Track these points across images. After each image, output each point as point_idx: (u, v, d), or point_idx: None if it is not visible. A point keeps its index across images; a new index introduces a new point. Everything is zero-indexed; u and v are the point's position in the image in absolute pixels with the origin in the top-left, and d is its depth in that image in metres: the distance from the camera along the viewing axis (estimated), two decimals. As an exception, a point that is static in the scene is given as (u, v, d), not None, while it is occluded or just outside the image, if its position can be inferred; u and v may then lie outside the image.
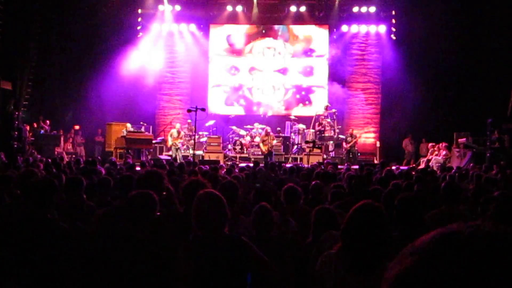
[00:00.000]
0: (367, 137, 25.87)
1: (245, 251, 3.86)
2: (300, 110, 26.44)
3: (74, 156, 22.14)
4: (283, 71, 26.84)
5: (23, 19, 22.63)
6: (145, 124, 23.55)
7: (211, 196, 3.95)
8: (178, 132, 22.59)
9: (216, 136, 23.37)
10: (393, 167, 16.24)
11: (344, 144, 23.15)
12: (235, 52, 27.02)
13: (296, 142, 24.17)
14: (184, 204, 5.14)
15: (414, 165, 22.19)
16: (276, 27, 26.89)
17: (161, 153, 23.50)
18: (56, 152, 21.93)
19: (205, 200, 3.90)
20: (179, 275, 3.78)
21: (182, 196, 5.24)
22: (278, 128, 24.46)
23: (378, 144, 25.01)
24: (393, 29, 25.95)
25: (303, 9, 25.97)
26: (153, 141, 23.27)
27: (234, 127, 24.16)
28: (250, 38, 26.98)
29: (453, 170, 14.17)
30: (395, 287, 0.99)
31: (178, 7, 26.28)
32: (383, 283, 1.03)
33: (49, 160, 14.47)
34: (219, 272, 3.74)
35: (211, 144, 22.85)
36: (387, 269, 1.05)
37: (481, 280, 0.92)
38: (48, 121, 23.70)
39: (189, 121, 22.80)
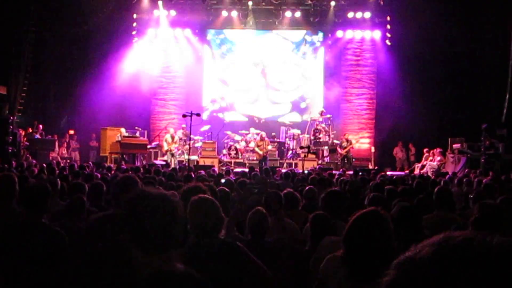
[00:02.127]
0: (362, 142, 25.86)
1: (240, 257, 3.84)
2: (295, 115, 26.46)
3: (69, 161, 22.08)
4: (277, 74, 26.84)
5: (18, 23, 22.60)
6: (140, 129, 23.52)
7: (206, 201, 3.94)
8: (172, 137, 22.62)
9: (211, 141, 23.37)
10: (388, 173, 16.29)
11: (339, 149, 23.15)
12: (230, 55, 27.05)
13: (291, 147, 24.17)
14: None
15: (408, 171, 22.17)
16: (270, 31, 26.90)
17: (156, 158, 23.45)
18: (50, 157, 21.88)
19: (199, 205, 3.89)
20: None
21: (181, 201, 5.21)
22: (273, 133, 24.47)
23: (373, 149, 25.00)
24: (388, 35, 25.97)
25: (298, 14, 25.99)
26: (148, 146, 23.26)
27: (229, 132, 24.16)
28: (245, 41, 27.01)
29: (448, 176, 14.21)
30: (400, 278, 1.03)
31: (173, 12, 26.28)
32: (387, 275, 1.06)
33: (44, 165, 14.43)
34: (214, 278, 3.72)
35: (206, 149, 22.83)
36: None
37: None
38: (40, 126, 23.55)
39: (183, 126, 22.80)
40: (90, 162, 17.28)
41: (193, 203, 3.93)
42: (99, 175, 10.24)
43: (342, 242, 3.26)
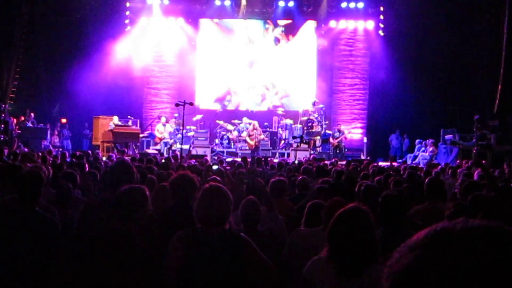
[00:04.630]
0: (354, 133, 25.90)
1: (243, 248, 3.83)
2: (287, 106, 26.43)
3: (61, 149, 22.01)
4: (271, 66, 26.79)
5: (9, 11, 22.46)
6: (132, 118, 23.47)
7: (221, 190, 3.94)
8: (164, 126, 22.60)
9: (204, 131, 23.35)
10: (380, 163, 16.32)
11: (331, 139, 23.18)
12: (223, 46, 26.97)
13: (284, 137, 24.18)
14: (173, 198, 5.10)
15: (400, 161, 22.26)
16: (263, 22, 26.83)
17: (148, 147, 23.44)
18: (42, 146, 21.81)
19: (215, 193, 3.87)
20: (169, 265, 3.77)
21: (169, 190, 5.18)
22: (266, 123, 24.46)
23: (365, 140, 25.05)
24: (381, 25, 25.99)
25: (291, 4, 25.96)
26: (140, 135, 23.20)
27: (221, 122, 24.13)
28: (237, 32, 26.92)
29: (440, 167, 14.25)
30: (399, 283, 1.00)
31: (166, 1, 26.17)
32: (384, 281, 1.03)
33: (40, 154, 14.39)
34: (213, 266, 3.72)
35: (199, 138, 22.82)
36: (378, 270, 1.04)
37: (478, 272, 0.93)
38: (32, 114, 23.45)
39: (176, 115, 22.76)
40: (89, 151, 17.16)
41: (204, 191, 3.92)
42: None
43: (327, 238, 3.29)
